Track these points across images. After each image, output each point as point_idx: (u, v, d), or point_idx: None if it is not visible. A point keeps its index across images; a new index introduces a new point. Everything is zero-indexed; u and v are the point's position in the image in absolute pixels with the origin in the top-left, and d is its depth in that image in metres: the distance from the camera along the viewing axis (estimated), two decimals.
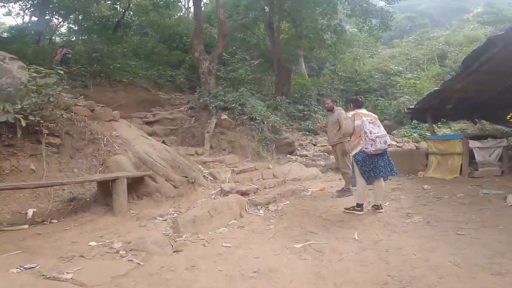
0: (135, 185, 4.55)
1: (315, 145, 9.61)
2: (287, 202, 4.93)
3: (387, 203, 4.51)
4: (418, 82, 13.53)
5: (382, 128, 4.04)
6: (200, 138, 7.71)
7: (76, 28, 19.20)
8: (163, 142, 7.44)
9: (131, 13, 19.36)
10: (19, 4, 16.70)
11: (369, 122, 3.96)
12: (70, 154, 4.84)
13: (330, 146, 6.81)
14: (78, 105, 5.55)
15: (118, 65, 11.00)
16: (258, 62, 9.77)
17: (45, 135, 4.56)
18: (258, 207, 4.64)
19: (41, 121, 4.41)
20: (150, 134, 7.64)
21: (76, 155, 4.87)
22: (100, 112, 5.79)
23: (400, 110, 11.75)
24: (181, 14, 22.74)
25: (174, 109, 9.83)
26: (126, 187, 4.41)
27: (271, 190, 5.48)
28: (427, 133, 9.73)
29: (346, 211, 4.23)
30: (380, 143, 3.89)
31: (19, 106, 4.31)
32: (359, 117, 4.04)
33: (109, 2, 18.06)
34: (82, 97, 8.81)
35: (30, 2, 16.17)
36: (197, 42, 9.27)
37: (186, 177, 4.98)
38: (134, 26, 19.35)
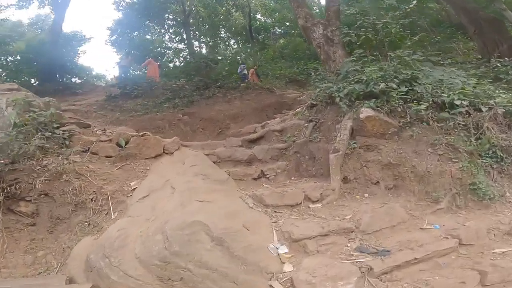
0: None
1: None
2: None
3: None
4: None
5: None
6: (325, 161, 4.12)
7: (233, 42, 20.68)
8: (262, 174, 4.40)
9: (260, 16, 19.35)
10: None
11: None
12: (48, 226, 3.06)
13: None
14: (102, 141, 3.45)
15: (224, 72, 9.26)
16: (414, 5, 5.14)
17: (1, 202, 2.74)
18: None
19: None
20: (249, 162, 4.81)
21: (58, 227, 3.08)
22: (134, 146, 3.48)
23: None
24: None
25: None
26: None
27: None
28: None
29: None
30: None
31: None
32: None
33: (238, 13, 18.36)
34: (185, 117, 7.35)
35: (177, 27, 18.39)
36: (297, 5, 6.19)
37: None
38: (273, 29, 19.58)
